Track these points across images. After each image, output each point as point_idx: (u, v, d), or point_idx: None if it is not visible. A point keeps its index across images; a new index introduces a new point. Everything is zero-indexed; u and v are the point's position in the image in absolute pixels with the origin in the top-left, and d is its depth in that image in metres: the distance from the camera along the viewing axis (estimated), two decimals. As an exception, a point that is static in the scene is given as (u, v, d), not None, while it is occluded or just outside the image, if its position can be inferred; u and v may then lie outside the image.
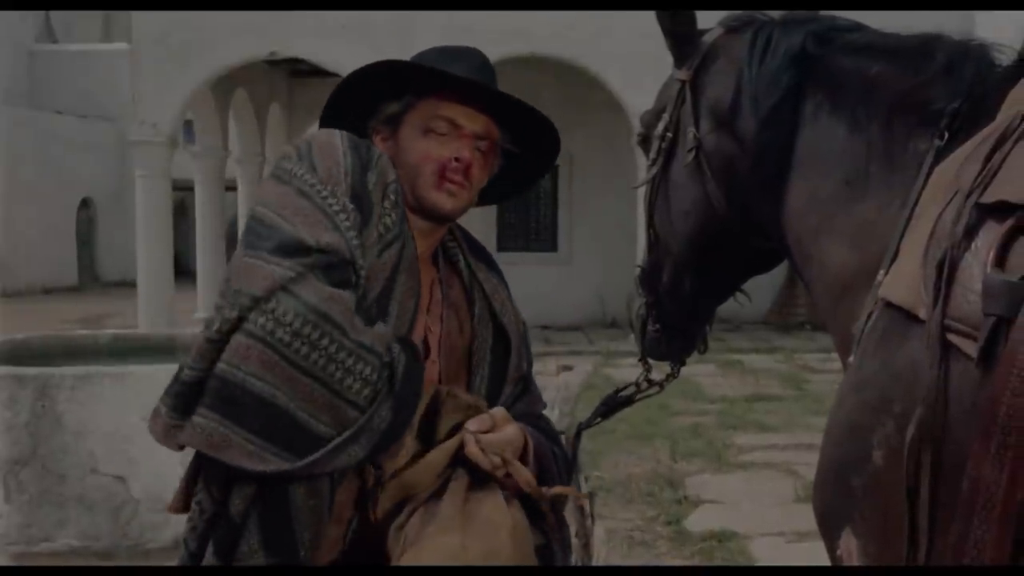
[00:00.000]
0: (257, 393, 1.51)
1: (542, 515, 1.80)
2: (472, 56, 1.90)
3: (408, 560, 1.59)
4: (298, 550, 1.58)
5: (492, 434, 1.73)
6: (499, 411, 1.79)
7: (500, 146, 1.90)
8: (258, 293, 1.52)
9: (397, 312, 1.71)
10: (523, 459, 1.79)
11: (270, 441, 1.52)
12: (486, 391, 1.87)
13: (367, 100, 1.85)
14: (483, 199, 1.96)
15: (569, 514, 1.96)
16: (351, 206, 1.63)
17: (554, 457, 1.89)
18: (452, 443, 1.70)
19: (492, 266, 2.01)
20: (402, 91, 1.83)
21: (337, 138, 1.72)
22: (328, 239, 1.58)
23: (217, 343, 1.54)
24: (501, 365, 1.92)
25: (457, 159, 1.80)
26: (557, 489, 1.80)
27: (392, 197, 1.72)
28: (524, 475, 1.74)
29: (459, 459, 1.71)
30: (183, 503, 1.71)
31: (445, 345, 1.87)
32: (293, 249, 1.56)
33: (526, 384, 1.98)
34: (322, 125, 1.88)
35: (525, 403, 1.96)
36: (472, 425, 1.72)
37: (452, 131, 1.82)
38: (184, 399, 1.56)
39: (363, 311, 1.62)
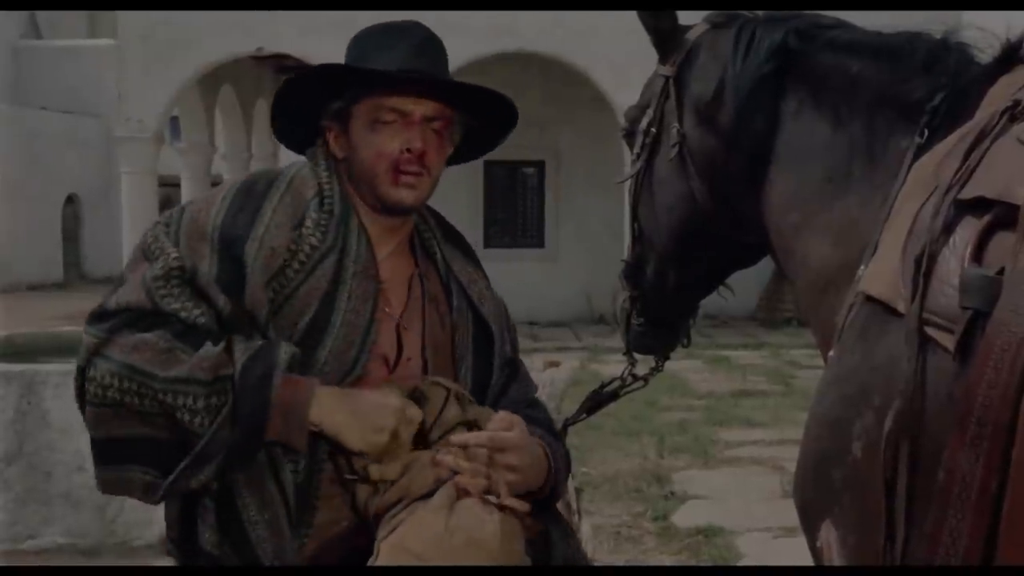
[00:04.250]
0: (123, 437, 1.66)
1: (541, 505, 1.80)
2: (414, 33, 1.84)
3: (392, 539, 1.59)
4: (258, 556, 1.66)
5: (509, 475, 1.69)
6: (512, 437, 1.72)
7: (455, 120, 1.84)
8: (80, 363, 1.67)
9: (344, 320, 1.71)
10: (541, 476, 1.78)
11: (158, 468, 1.66)
12: (472, 381, 1.86)
13: (313, 99, 1.81)
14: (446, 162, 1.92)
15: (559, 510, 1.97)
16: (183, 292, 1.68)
17: (563, 456, 1.89)
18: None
19: (468, 253, 1.99)
20: (345, 88, 1.79)
21: (223, 191, 1.76)
22: (128, 298, 1.67)
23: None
24: (486, 354, 1.90)
25: (409, 150, 1.76)
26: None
27: (314, 215, 1.73)
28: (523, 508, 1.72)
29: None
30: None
31: (430, 341, 1.84)
32: (97, 316, 1.69)
33: (514, 367, 1.96)
34: (273, 124, 1.88)
35: (517, 388, 1.94)
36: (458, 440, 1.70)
37: (400, 119, 1.76)
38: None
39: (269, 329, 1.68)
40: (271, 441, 1.64)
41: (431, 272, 1.90)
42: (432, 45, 1.84)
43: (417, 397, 1.74)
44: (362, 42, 1.85)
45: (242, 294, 1.67)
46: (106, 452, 1.69)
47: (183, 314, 1.65)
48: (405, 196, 1.78)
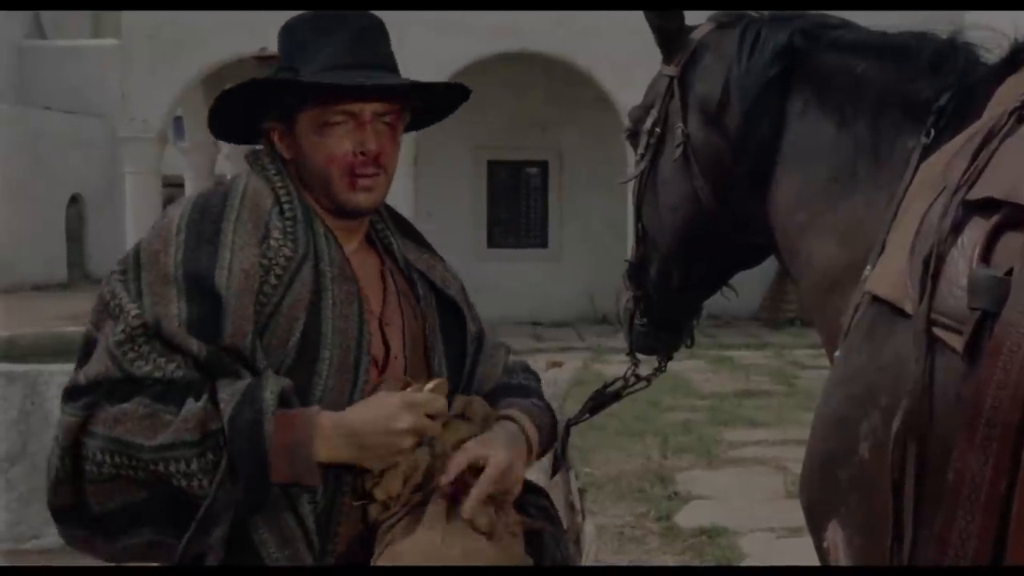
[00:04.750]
0: (133, 503, 1.57)
1: (534, 504, 1.79)
2: (350, 21, 1.70)
3: (385, 559, 1.57)
4: None
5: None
6: (497, 474, 1.62)
7: (406, 106, 1.75)
8: (64, 443, 1.57)
9: (335, 327, 1.64)
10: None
11: (174, 528, 1.56)
12: (447, 367, 1.80)
13: (252, 106, 1.74)
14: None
15: (559, 510, 1.96)
16: (150, 349, 1.57)
17: (548, 424, 1.82)
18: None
19: (419, 240, 1.90)
20: (285, 96, 1.70)
21: (176, 221, 1.63)
22: (96, 371, 1.57)
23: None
24: (457, 338, 1.84)
25: (363, 153, 1.67)
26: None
27: (279, 225, 1.64)
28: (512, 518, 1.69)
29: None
30: None
31: (408, 335, 1.78)
32: (71, 394, 1.59)
33: (479, 342, 1.89)
34: (211, 130, 1.80)
35: (486, 362, 1.87)
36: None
37: (349, 119, 1.66)
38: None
39: (272, 353, 1.59)
40: (282, 483, 1.55)
41: (394, 265, 1.83)
42: (371, 31, 1.72)
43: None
44: (296, 34, 1.72)
45: (220, 329, 1.56)
46: (117, 522, 1.59)
47: (157, 374, 1.55)
48: (363, 200, 1.70)
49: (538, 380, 1.95)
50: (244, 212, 1.65)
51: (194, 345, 1.56)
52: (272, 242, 1.63)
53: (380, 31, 1.74)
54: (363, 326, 1.68)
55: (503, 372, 1.90)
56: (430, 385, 1.64)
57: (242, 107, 1.74)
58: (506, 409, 1.77)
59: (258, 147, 1.78)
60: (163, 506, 1.56)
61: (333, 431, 1.56)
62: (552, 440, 1.85)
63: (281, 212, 1.67)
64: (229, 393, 1.53)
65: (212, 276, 1.58)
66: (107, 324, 1.61)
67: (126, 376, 1.56)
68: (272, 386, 1.54)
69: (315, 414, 1.57)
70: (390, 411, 1.58)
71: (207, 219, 1.63)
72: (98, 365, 1.58)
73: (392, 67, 1.74)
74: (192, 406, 1.52)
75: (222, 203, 1.66)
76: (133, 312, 1.57)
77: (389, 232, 1.85)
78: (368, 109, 1.67)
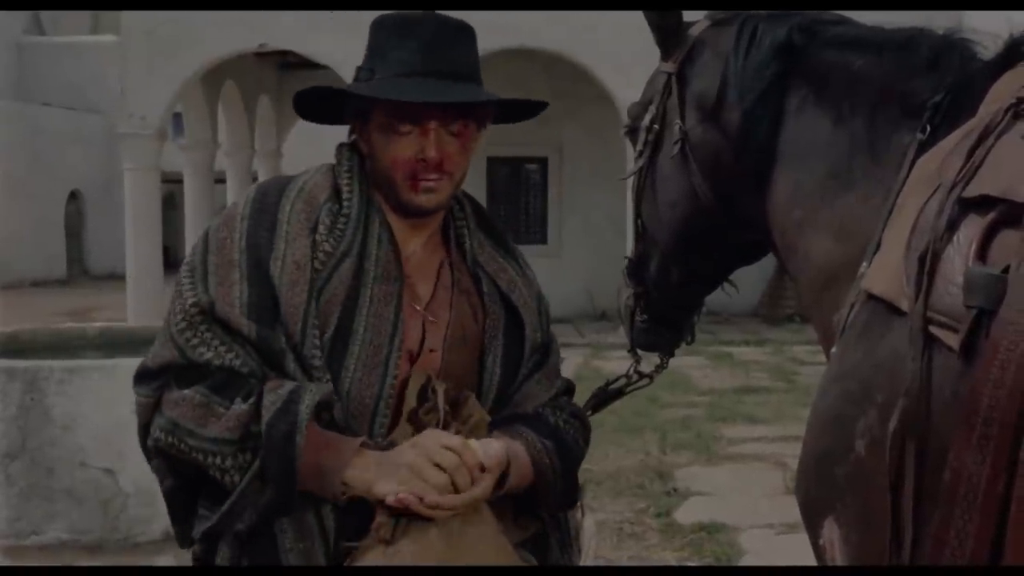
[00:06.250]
0: (183, 483, 1.68)
1: (535, 504, 1.78)
2: (426, 28, 1.72)
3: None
4: None
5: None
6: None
7: (478, 117, 1.77)
8: (141, 422, 1.69)
9: (368, 325, 1.67)
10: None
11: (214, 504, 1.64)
12: (500, 370, 1.81)
13: (331, 100, 1.79)
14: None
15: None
16: (210, 333, 1.64)
17: (555, 463, 1.80)
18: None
19: (499, 241, 1.91)
20: (356, 98, 1.74)
21: (240, 209, 1.72)
22: (163, 356, 1.67)
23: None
24: (517, 343, 1.84)
25: (424, 160, 1.70)
26: None
27: (327, 220, 1.69)
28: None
29: None
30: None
31: (454, 330, 1.78)
32: (142, 376, 1.70)
33: (544, 356, 1.90)
34: (298, 113, 1.85)
35: (539, 382, 1.87)
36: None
37: (414, 127, 1.70)
38: None
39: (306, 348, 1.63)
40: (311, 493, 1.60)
41: (462, 263, 1.85)
42: (448, 35, 1.73)
43: (429, 390, 1.71)
44: (379, 33, 1.76)
45: (276, 317, 1.63)
46: (174, 505, 1.71)
47: (216, 362, 1.62)
48: (425, 201, 1.73)
49: (581, 431, 1.94)
50: (299, 203, 1.72)
51: (245, 327, 1.62)
52: (317, 237, 1.69)
53: (458, 35, 1.75)
54: (398, 324, 1.71)
55: (548, 402, 1.88)
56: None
57: (322, 101, 1.80)
58: (506, 436, 1.74)
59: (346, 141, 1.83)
60: (195, 492, 1.67)
61: (369, 461, 1.60)
62: (549, 479, 1.81)
63: (335, 207, 1.72)
64: (272, 399, 1.59)
65: (268, 265, 1.66)
66: (174, 310, 1.69)
67: (189, 363, 1.64)
68: (309, 399, 1.59)
69: (354, 448, 1.61)
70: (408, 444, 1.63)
71: (266, 208, 1.72)
72: (164, 351, 1.67)
73: (468, 74, 1.75)
74: (239, 406, 1.59)
75: (279, 194, 1.73)
76: (190, 299, 1.65)
77: (467, 229, 1.87)
78: (432, 120, 1.70)
